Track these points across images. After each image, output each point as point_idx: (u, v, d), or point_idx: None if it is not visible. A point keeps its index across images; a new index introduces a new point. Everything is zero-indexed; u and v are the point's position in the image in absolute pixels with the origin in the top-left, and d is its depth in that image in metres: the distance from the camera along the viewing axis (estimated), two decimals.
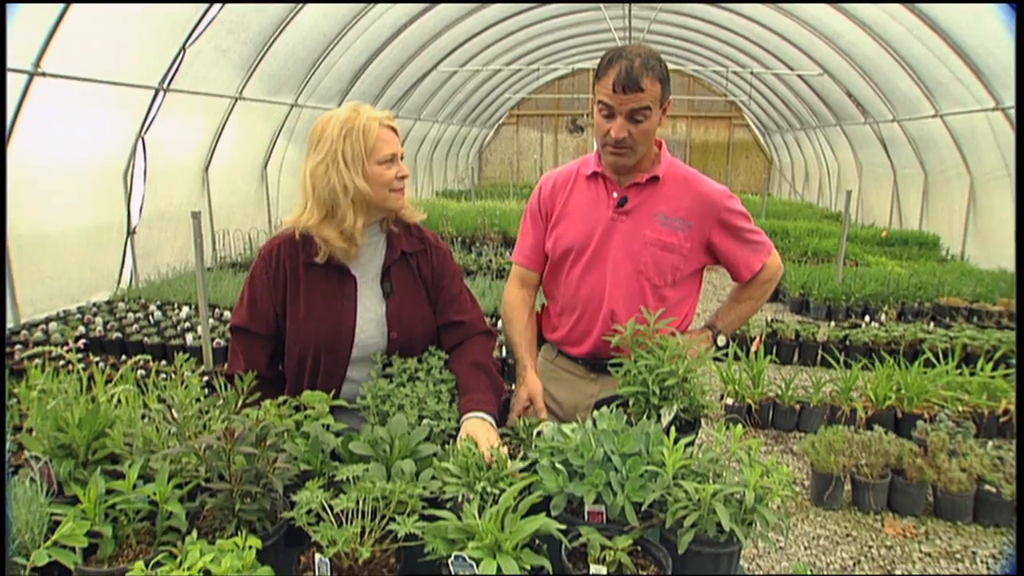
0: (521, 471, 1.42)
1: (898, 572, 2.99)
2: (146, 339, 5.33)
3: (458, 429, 1.61)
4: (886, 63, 9.44)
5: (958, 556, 3.11)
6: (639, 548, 1.29)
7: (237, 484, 1.23)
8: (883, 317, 6.68)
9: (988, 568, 3.00)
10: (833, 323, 6.50)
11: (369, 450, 1.40)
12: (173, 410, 1.46)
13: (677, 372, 1.59)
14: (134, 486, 1.24)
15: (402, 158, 1.78)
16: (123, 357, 5.19)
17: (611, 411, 1.52)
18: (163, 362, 5.14)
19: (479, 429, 1.57)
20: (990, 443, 3.62)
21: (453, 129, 18.10)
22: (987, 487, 3.32)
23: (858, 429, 3.82)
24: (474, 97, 17.28)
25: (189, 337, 5.30)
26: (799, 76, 12.83)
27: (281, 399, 1.62)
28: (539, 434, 1.60)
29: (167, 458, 1.28)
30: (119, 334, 5.44)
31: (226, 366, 1.82)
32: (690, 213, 1.97)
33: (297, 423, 1.55)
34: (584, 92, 20.03)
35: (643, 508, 1.28)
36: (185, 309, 6.20)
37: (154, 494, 1.22)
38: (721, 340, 2.14)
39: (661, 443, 1.40)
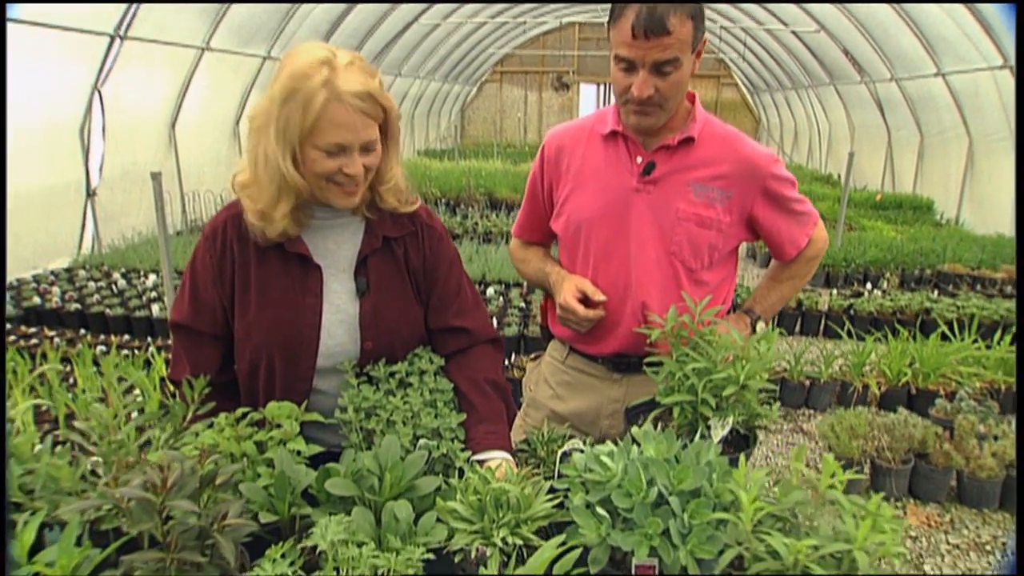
0: (549, 506, 1.11)
1: (927, 569, 2.78)
2: (108, 310, 4.93)
3: (464, 449, 1.30)
4: (889, 19, 9.05)
5: (988, 547, 2.91)
6: None
7: (172, 550, 0.90)
8: (885, 285, 6.46)
9: None
10: (834, 291, 6.27)
11: (352, 488, 1.08)
12: (93, 434, 1.12)
13: (737, 378, 1.28)
14: (32, 551, 0.91)
15: (369, 150, 1.32)
16: (82, 331, 4.79)
17: (656, 428, 1.22)
18: (126, 336, 4.77)
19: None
20: (1013, 421, 3.41)
21: (435, 86, 17.41)
22: (1015, 472, 3.12)
23: (871, 407, 3.60)
24: (457, 52, 16.58)
25: (156, 308, 4.91)
26: (794, 33, 12.37)
27: (239, 413, 1.29)
28: (565, 456, 1.30)
29: (81, 514, 0.95)
30: (78, 305, 5.04)
31: (169, 370, 1.48)
32: (731, 181, 1.63)
33: (259, 445, 1.22)
34: (571, 48, 19.36)
35: (716, 571, 0.99)
36: (152, 277, 5.78)
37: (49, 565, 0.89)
38: (761, 327, 1.84)
39: (729, 475, 1.09)
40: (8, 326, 4.75)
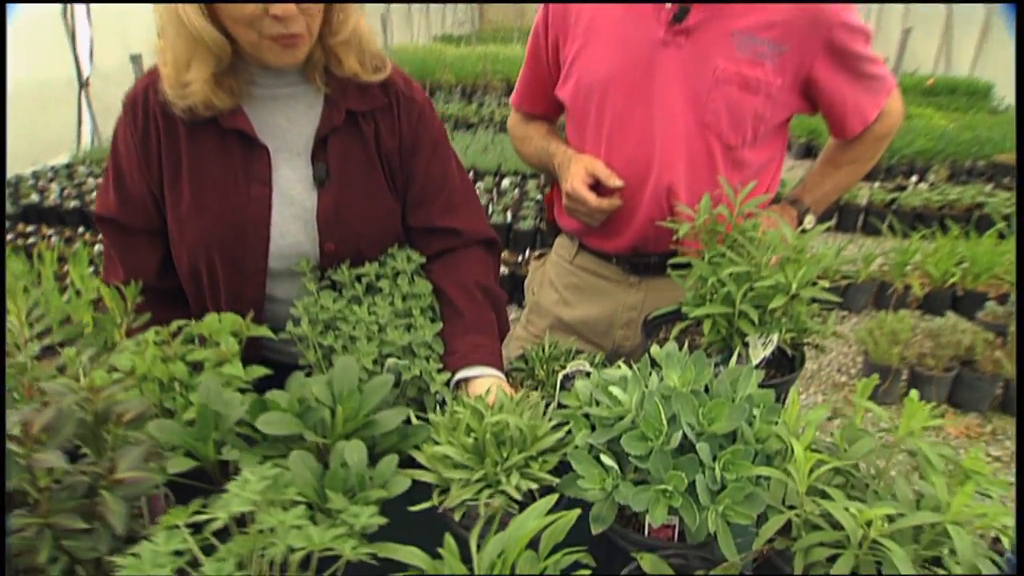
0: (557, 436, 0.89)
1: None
2: None
3: (447, 377, 1.06)
4: None
5: None
6: None
7: (43, 514, 0.70)
8: (932, 177, 5.97)
9: None
10: (876, 184, 5.82)
11: (292, 425, 0.86)
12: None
13: (787, 285, 1.01)
14: None
15: None
16: (80, 229, 4.62)
17: (682, 348, 0.96)
18: None
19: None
20: None
21: None
22: None
23: (911, 309, 3.32)
24: None
25: None
26: None
27: (174, 327, 1.06)
28: (567, 380, 1.06)
29: None
30: (77, 202, 4.84)
31: (102, 271, 1.25)
32: (786, 31, 1.27)
33: (197, 365, 1.00)
34: None
35: (756, 543, 0.76)
36: None
37: None
38: (809, 220, 1.54)
39: (774, 413, 0.85)
40: (7, 223, 4.60)
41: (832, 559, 0.72)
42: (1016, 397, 3.51)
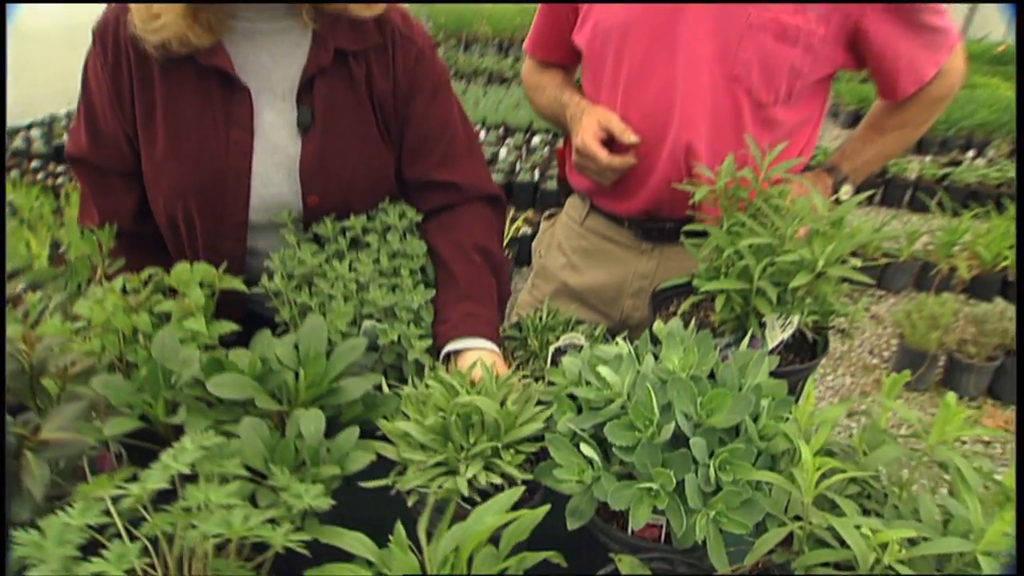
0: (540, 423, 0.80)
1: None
2: None
3: (428, 344, 0.98)
4: None
5: None
6: None
7: None
8: (992, 153, 5.61)
9: None
10: (928, 157, 5.49)
11: (247, 388, 0.78)
12: None
13: (814, 262, 0.89)
14: None
15: None
16: None
17: (689, 325, 0.86)
18: None
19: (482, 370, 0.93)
20: None
21: None
22: None
23: (955, 292, 3.13)
24: None
25: None
26: None
27: (145, 275, 0.99)
28: (559, 354, 0.96)
29: None
30: None
31: (78, 213, 1.19)
32: None
33: (167, 318, 0.93)
34: None
35: (750, 557, 0.67)
36: None
37: None
38: (846, 191, 1.39)
39: (785, 408, 0.75)
40: (36, 163, 4.63)
41: None
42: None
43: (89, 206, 1.14)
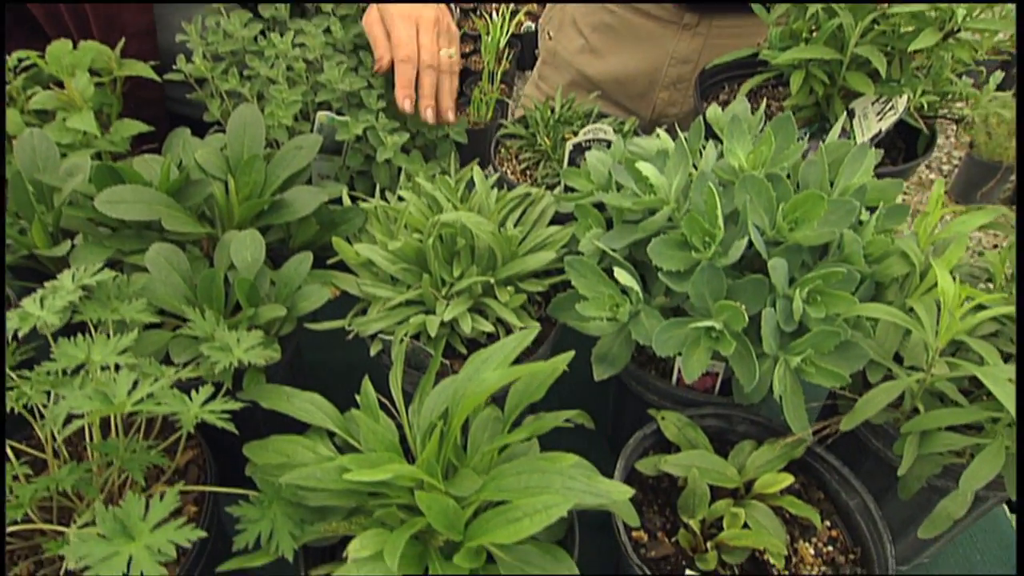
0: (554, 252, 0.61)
1: None
2: None
3: (404, 139, 0.75)
4: None
5: None
6: (803, 481, 0.55)
7: None
8: None
9: None
10: None
11: (157, 205, 0.58)
12: None
13: (949, 13, 0.62)
14: None
15: None
16: None
17: (758, 114, 0.62)
18: None
19: (420, 18, 0.70)
20: None
21: None
22: None
23: None
24: None
25: None
26: None
27: (14, 58, 0.75)
28: (578, 152, 0.74)
29: None
30: None
31: None
32: None
33: (49, 116, 0.71)
34: None
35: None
36: None
37: None
38: None
39: (898, 218, 0.53)
40: None
41: (964, 454, 0.45)
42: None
43: None
